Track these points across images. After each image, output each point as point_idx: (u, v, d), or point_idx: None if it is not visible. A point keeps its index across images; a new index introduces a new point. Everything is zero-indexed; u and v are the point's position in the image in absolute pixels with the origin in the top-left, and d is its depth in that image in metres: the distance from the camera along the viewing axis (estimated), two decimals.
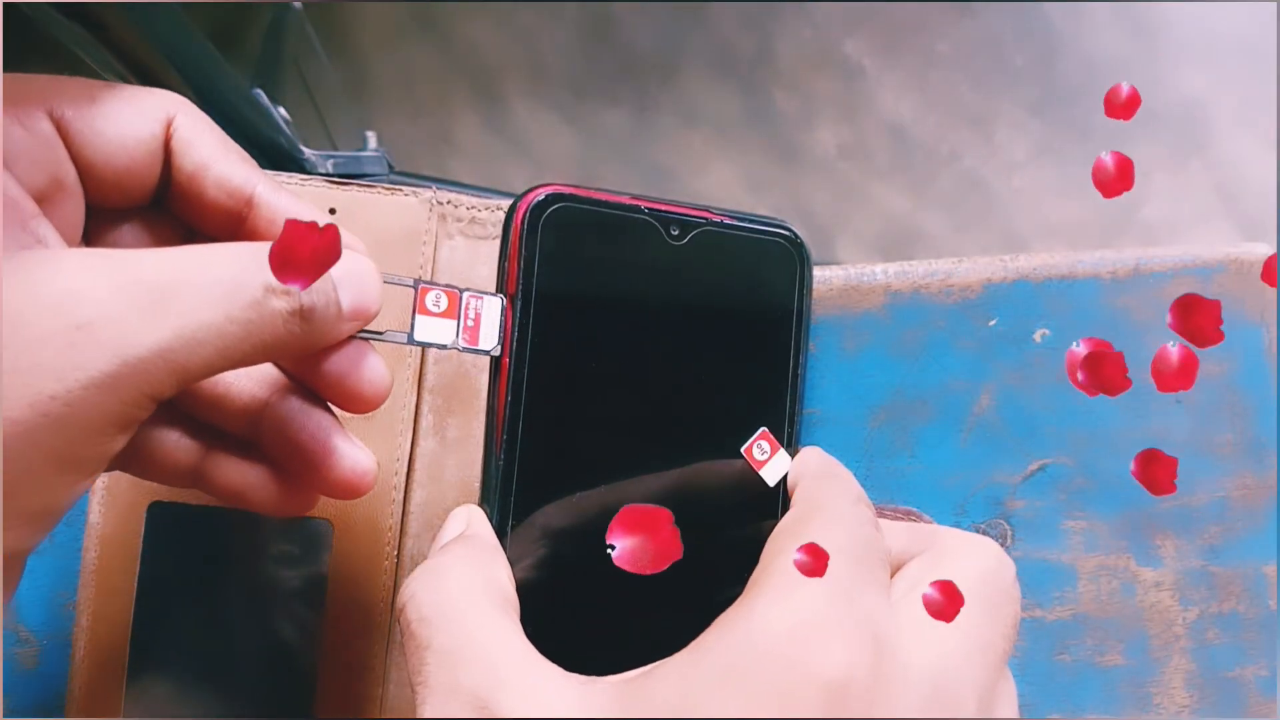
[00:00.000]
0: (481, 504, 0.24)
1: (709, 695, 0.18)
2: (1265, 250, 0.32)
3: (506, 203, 0.26)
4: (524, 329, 0.24)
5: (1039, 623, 0.30)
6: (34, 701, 0.27)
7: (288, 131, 0.57)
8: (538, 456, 0.24)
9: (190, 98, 0.22)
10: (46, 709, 0.27)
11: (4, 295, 0.16)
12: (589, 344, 0.24)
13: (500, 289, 0.24)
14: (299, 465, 0.23)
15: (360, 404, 0.22)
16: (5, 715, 0.27)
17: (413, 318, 0.23)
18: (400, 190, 0.29)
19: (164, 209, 0.23)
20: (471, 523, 0.23)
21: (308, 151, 0.58)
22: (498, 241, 0.25)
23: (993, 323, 0.31)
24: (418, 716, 0.19)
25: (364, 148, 0.65)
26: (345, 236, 0.23)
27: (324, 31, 0.98)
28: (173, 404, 0.22)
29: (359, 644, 0.28)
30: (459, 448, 0.29)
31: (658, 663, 0.19)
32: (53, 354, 0.16)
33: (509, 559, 0.23)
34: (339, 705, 0.27)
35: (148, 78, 0.44)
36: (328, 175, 0.30)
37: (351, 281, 0.21)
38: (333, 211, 0.28)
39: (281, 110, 0.59)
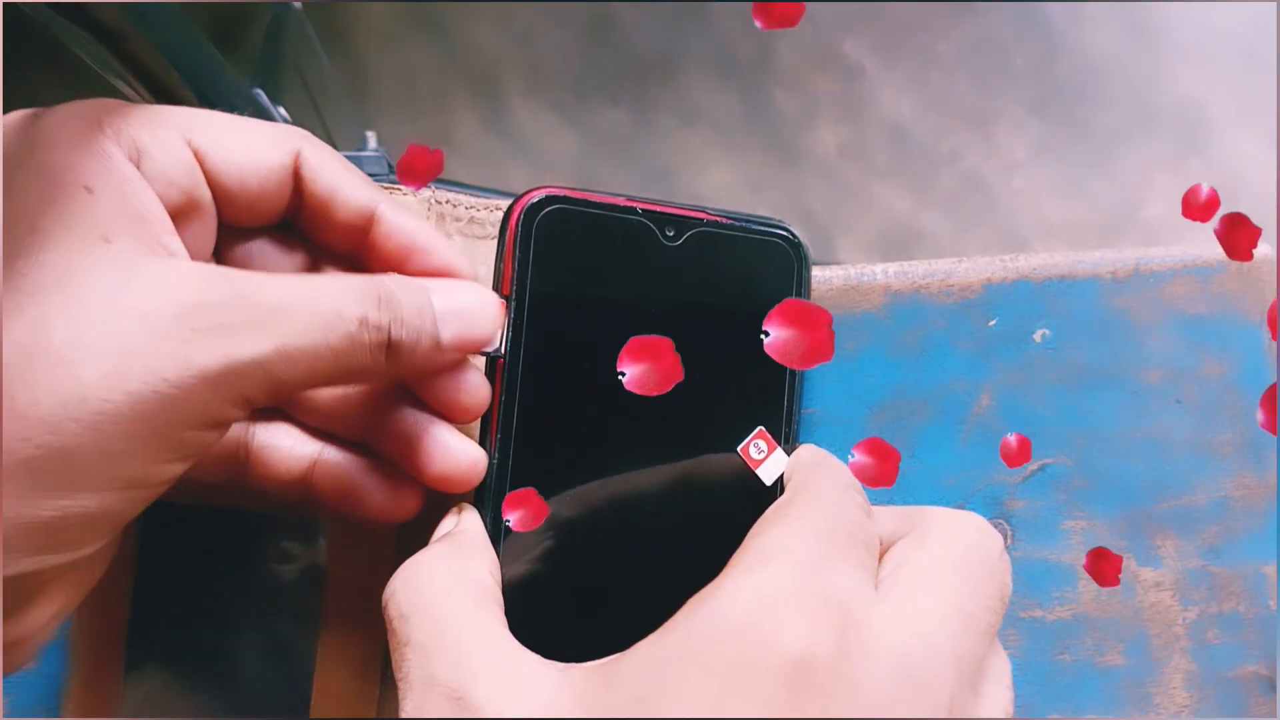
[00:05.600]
0: (475, 503, 0.24)
1: (673, 674, 0.18)
2: (1266, 250, 0.32)
3: (505, 202, 0.26)
4: (519, 330, 0.24)
5: (1039, 623, 0.30)
6: (33, 701, 0.27)
7: None
8: (532, 456, 0.24)
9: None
10: (45, 709, 0.27)
11: (138, 290, 0.19)
12: (584, 345, 0.24)
13: (496, 289, 0.24)
14: (413, 460, 0.24)
15: (461, 415, 0.24)
16: (5, 715, 0.27)
17: None
18: (399, 189, 0.29)
19: (290, 228, 0.25)
20: (462, 520, 0.23)
21: None
22: (495, 241, 0.25)
23: (993, 323, 0.31)
24: (401, 712, 0.20)
25: (364, 148, 0.65)
26: (452, 261, 0.25)
27: (324, 31, 0.98)
28: (289, 415, 0.25)
29: (357, 643, 0.28)
30: None
31: (633, 646, 0.20)
32: (172, 346, 0.19)
33: (504, 557, 0.23)
34: (337, 704, 0.27)
35: (147, 78, 0.44)
36: None
37: (456, 314, 0.23)
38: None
39: (281, 110, 0.59)
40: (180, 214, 0.22)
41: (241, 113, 0.24)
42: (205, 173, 0.22)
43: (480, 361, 0.25)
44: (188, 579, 0.27)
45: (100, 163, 0.20)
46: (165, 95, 0.44)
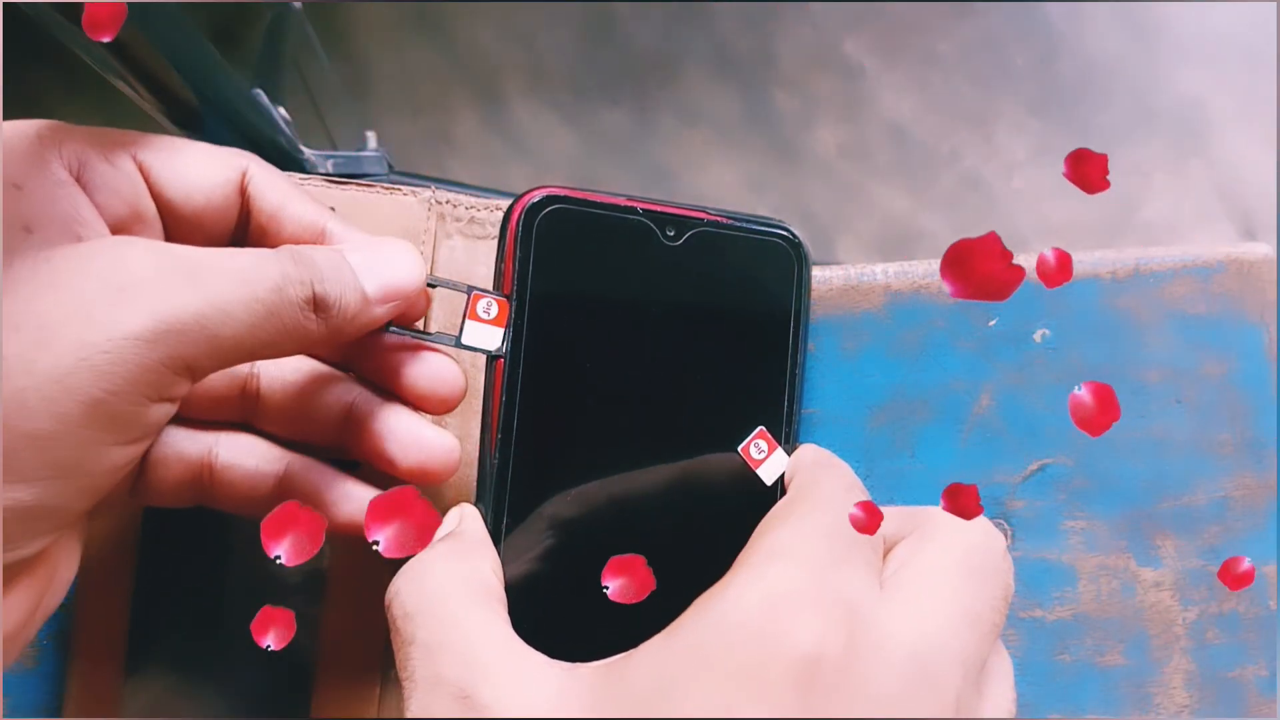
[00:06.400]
0: (477, 503, 0.24)
1: (682, 673, 0.18)
2: (1265, 250, 0.32)
3: (505, 202, 0.26)
4: (519, 329, 0.24)
5: (1039, 623, 0.30)
6: (33, 701, 0.27)
7: (288, 131, 0.57)
8: (532, 456, 0.24)
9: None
10: (46, 709, 0.27)
11: (59, 265, 0.19)
12: (585, 344, 0.24)
13: (496, 289, 0.24)
14: (387, 454, 0.24)
15: (433, 404, 0.24)
16: (5, 715, 0.27)
17: (462, 322, 0.24)
18: (399, 190, 0.29)
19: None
20: (463, 520, 0.23)
21: (307, 151, 0.58)
22: (496, 241, 0.25)
23: (993, 323, 0.31)
24: (406, 712, 0.20)
25: (364, 147, 0.65)
26: (341, 230, 0.24)
27: (324, 31, 0.98)
28: (255, 428, 0.25)
29: (357, 642, 0.28)
30: None
31: (639, 646, 0.20)
32: (98, 310, 0.18)
33: (505, 556, 0.23)
34: (337, 704, 0.27)
35: (148, 78, 0.44)
36: (327, 175, 0.30)
37: (374, 267, 0.23)
38: (332, 209, 0.29)
39: (281, 110, 0.59)
40: (124, 226, 0.22)
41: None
42: (150, 187, 0.23)
43: (455, 352, 0.25)
44: (188, 579, 0.27)
45: (34, 166, 0.20)
46: (165, 95, 0.44)
